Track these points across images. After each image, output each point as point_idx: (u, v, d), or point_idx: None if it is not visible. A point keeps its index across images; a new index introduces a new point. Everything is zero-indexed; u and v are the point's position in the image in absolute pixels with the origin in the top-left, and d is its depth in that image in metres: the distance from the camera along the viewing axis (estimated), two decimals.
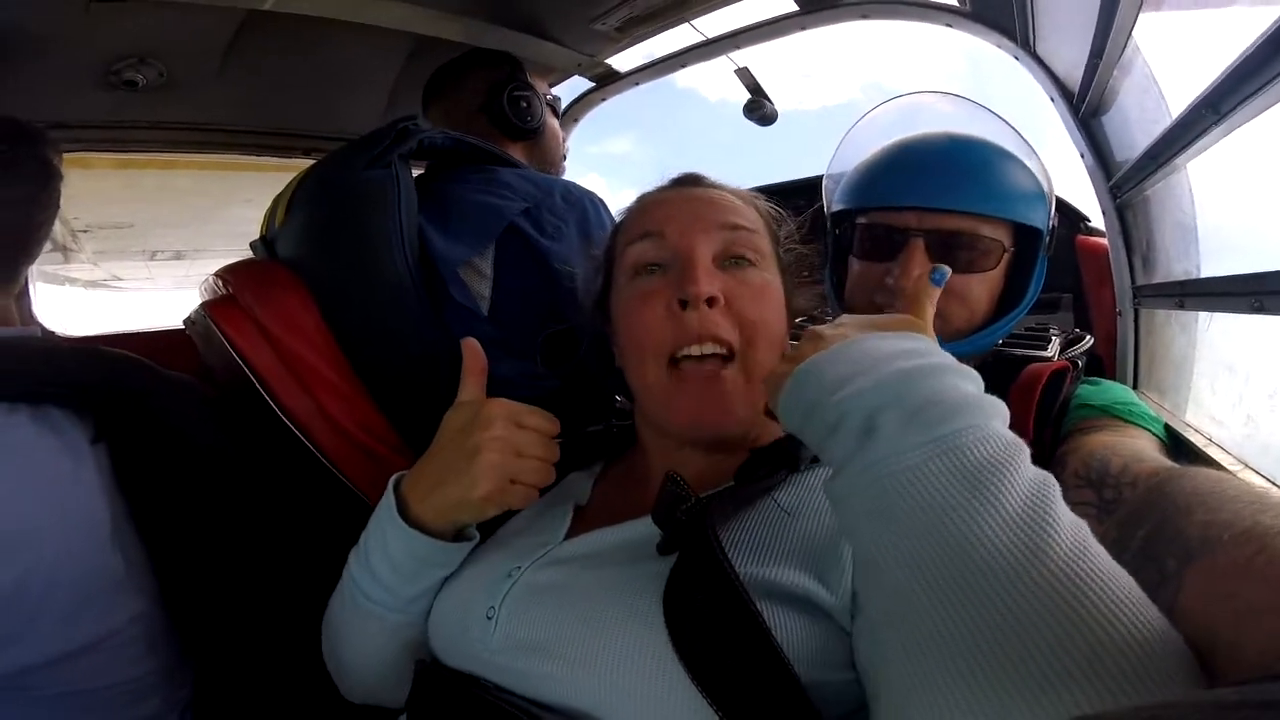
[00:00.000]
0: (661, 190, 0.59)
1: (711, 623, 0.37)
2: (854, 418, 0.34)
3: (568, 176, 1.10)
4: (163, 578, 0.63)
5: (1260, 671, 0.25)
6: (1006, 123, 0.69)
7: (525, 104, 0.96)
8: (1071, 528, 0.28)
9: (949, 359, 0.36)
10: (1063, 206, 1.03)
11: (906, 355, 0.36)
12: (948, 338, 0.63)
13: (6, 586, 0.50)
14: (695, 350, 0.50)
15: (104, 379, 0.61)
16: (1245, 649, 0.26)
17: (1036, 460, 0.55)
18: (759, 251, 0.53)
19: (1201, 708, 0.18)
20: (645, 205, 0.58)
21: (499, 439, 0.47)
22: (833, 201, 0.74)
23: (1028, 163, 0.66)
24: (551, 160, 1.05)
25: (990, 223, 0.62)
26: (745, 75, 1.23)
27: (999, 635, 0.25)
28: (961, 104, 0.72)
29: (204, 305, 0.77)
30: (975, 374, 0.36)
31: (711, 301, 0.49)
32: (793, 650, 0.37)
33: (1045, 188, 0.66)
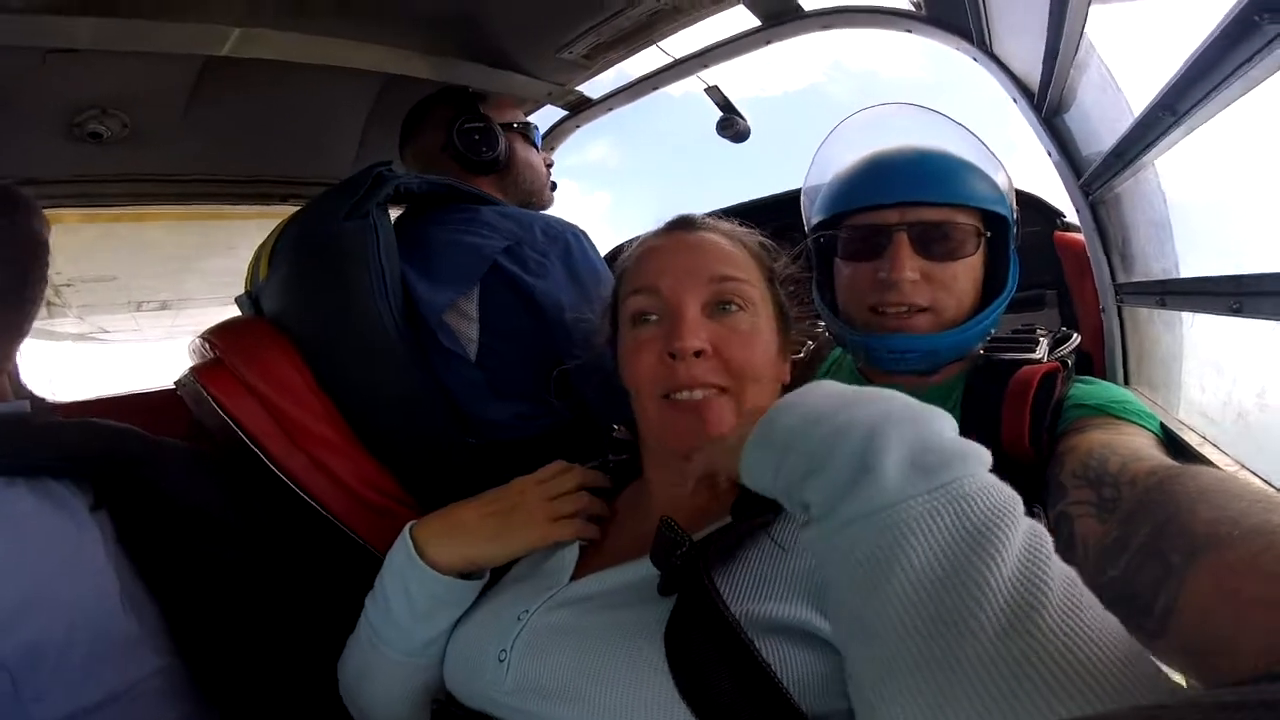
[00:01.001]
0: (657, 236, 0.61)
1: (712, 664, 0.38)
2: (847, 446, 0.33)
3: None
4: (179, 633, 0.64)
5: (1258, 669, 0.25)
6: (966, 129, 0.72)
7: (478, 136, 0.96)
8: (1063, 582, 0.28)
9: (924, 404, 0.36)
10: (1038, 203, 1.05)
11: (884, 396, 0.36)
12: (942, 328, 0.66)
13: (21, 649, 0.51)
14: (685, 395, 0.53)
15: (97, 450, 0.62)
16: (1245, 646, 0.26)
17: (1034, 462, 0.56)
18: (747, 299, 0.56)
19: (1201, 708, 0.18)
20: (642, 254, 0.60)
21: (529, 490, 0.57)
22: (811, 214, 0.77)
23: (985, 164, 0.70)
24: (531, 190, 1.04)
25: (964, 211, 0.66)
26: (716, 93, 1.24)
27: (990, 699, 0.25)
28: (924, 114, 0.75)
29: (192, 370, 0.77)
30: (950, 417, 0.36)
31: (699, 353, 0.52)
32: (796, 684, 0.38)
33: (1004, 185, 0.70)
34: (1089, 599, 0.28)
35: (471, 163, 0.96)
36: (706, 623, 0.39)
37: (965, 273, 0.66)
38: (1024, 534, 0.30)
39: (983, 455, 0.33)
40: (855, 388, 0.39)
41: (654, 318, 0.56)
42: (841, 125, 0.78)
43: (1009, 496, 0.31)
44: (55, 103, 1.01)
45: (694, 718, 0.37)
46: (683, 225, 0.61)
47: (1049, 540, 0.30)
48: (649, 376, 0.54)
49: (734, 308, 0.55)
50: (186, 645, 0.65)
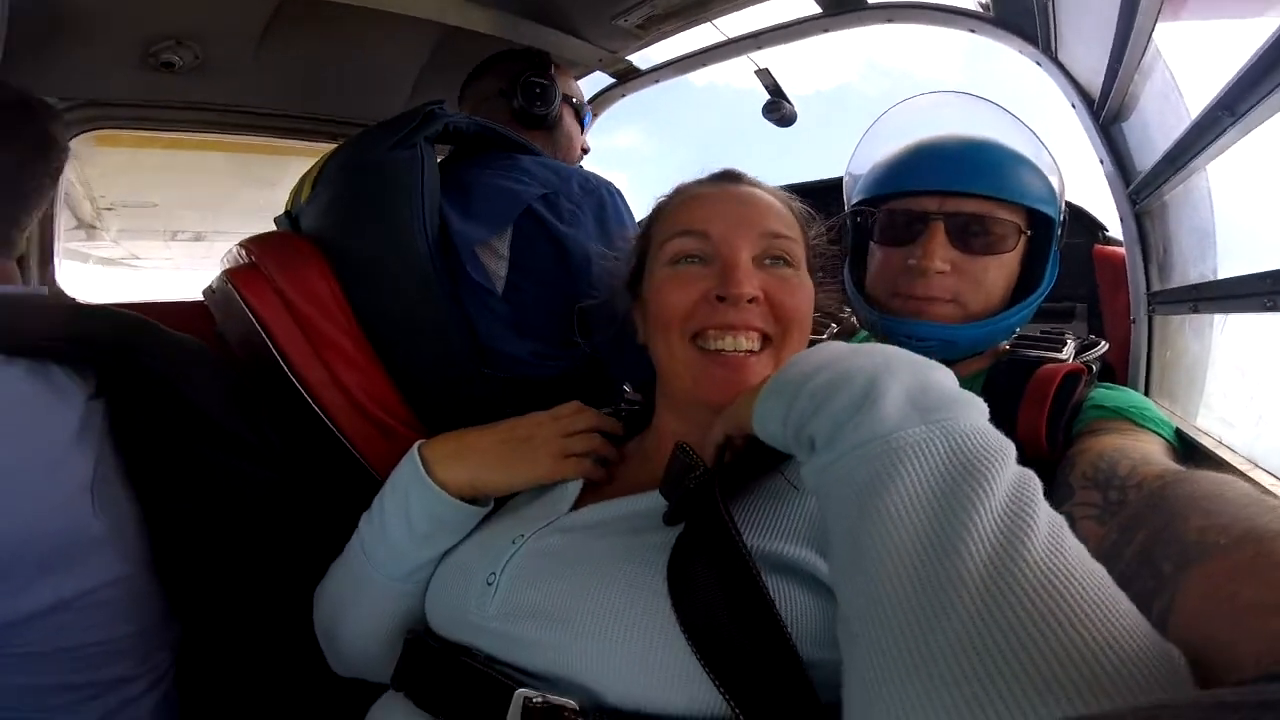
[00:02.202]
0: (702, 184, 0.60)
1: (715, 592, 0.37)
2: (852, 385, 0.34)
3: None
4: (156, 540, 0.62)
5: (1259, 672, 0.24)
6: (1024, 123, 0.71)
7: (539, 91, 0.99)
8: (1049, 521, 0.29)
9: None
10: (1082, 216, 1.04)
11: (886, 348, 0.38)
12: (964, 321, 0.65)
13: None
14: (730, 345, 0.51)
15: (105, 335, 0.61)
16: (1242, 651, 0.26)
17: (1043, 462, 0.56)
18: (794, 257, 0.55)
19: (1201, 707, 0.18)
20: (687, 199, 0.58)
21: (544, 424, 0.57)
22: (852, 195, 0.77)
23: (1038, 159, 0.69)
24: (565, 159, 1.07)
25: (1006, 206, 0.64)
26: (765, 76, 1.24)
27: (974, 642, 0.24)
28: (981, 104, 0.74)
29: (226, 272, 0.79)
30: (951, 372, 0.37)
31: (751, 300, 0.51)
32: (795, 626, 0.37)
33: (1056, 184, 0.69)
34: (1073, 541, 0.28)
35: (522, 113, 0.99)
36: (714, 549, 0.38)
37: (998, 269, 0.65)
38: (1014, 473, 0.31)
39: (979, 404, 0.35)
40: (860, 345, 0.40)
41: (698, 260, 0.54)
42: (893, 110, 0.77)
43: (1001, 439, 0.32)
44: (135, 32, 1.05)
45: (690, 645, 0.36)
46: (730, 178, 0.60)
47: (1038, 484, 0.31)
48: (684, 313, 0.52)
49: (783, 263, 0.54)
50: (161, 555, 0.62)
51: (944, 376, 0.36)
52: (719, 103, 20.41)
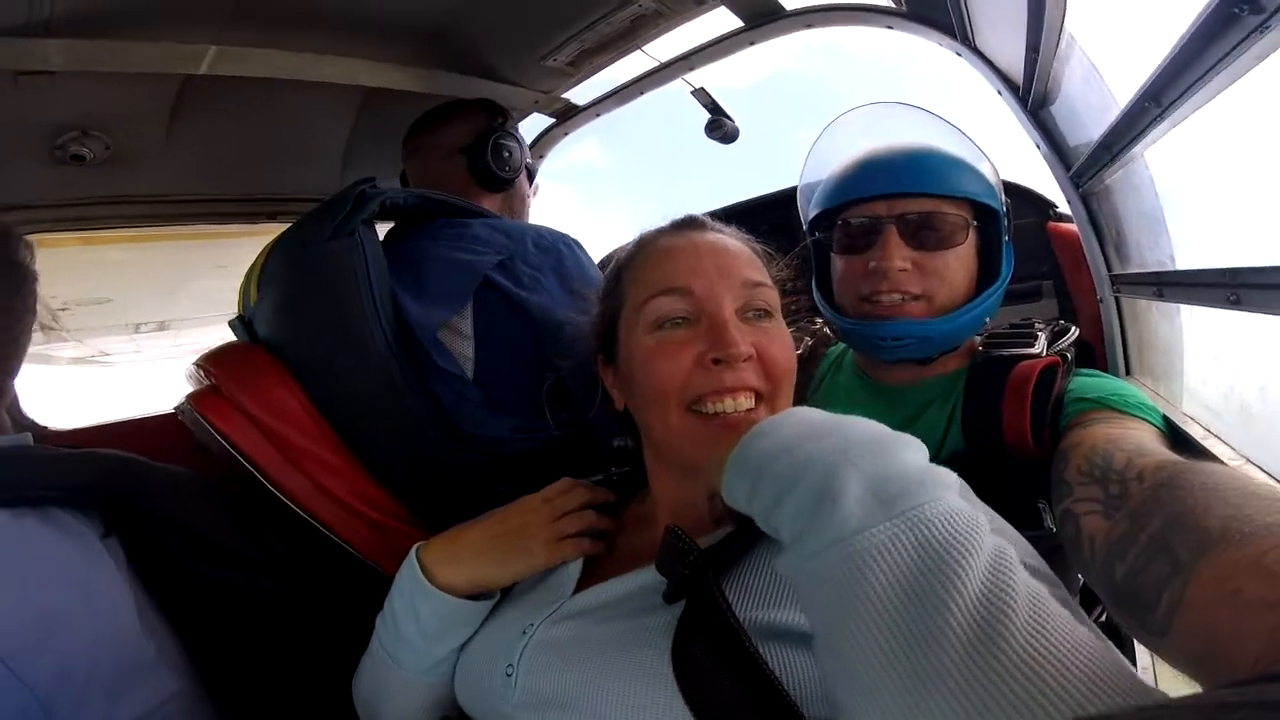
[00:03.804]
0: (670, 236, 0.58)
1: (717, 672, 0.38)
2: (811, 477, 0.34)
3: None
4: (195, 655, 0.65)
5: (1259, 670, 0.25)
6: (952, 125, 0.74)
7: (507, 154, 0.96)
8: (1028, 601, 0.29)
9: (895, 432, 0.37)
10: (1030, 195, 1.05)
11: (851, 426, 0.37)
12: (935, 314, 0.67)
13: (48, 674, 0.51)
14: (730, 406, 0.50)
15: (101, 480, 0.62)
16: (1243, 646, 0.26)
17: (1036, 459, 0.56)
18: (773, 305, 0.55)
19: (1201, 708, 0.18)
20: (656, 253, 0.57)
21: (535, 510, 0.57)
22: (808, 210, 0.78)
23: (971, 158, 0.71)
24: (516, 219, 1.04)
25: (950, 201, 0.67)
26: (703, 95, 1.24)
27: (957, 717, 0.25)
28: (912, 112, 0.76)
29: (189, 397, 0.76)
30: (920, 443, 0.37)
31: (747, 358, 0.51)
32: (800, 690, 0.38)
33: (991, 178, 0.71)
34: (1057, 618, 0.28)
35: (486, 174, 0.95)
36: (713, 631, 0.40)
37: (956, 262, 0.67)
38: (988, 555, 0.30)
39: (947, 480, 0.34)
40: (827, 416, 0.40)
41: (683, 321, 0.52)
42: (833, 125, 0.79)
43: (971, 519, 0.32)
44: (34, 126, 1.01)
45: None
46: (694, 225, 0.59)
47: (1015, 560, 0.31)
48: (679, 382, 0.51)
49: (764, 314, 0.54)
50: (202, 666, 0.65)
51: (909, 455, 0.35)
52: (664, 107, 20.12)
